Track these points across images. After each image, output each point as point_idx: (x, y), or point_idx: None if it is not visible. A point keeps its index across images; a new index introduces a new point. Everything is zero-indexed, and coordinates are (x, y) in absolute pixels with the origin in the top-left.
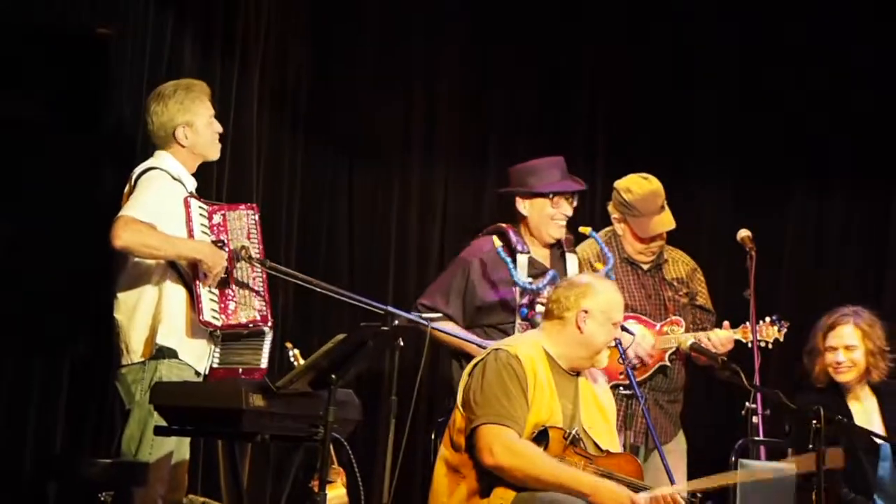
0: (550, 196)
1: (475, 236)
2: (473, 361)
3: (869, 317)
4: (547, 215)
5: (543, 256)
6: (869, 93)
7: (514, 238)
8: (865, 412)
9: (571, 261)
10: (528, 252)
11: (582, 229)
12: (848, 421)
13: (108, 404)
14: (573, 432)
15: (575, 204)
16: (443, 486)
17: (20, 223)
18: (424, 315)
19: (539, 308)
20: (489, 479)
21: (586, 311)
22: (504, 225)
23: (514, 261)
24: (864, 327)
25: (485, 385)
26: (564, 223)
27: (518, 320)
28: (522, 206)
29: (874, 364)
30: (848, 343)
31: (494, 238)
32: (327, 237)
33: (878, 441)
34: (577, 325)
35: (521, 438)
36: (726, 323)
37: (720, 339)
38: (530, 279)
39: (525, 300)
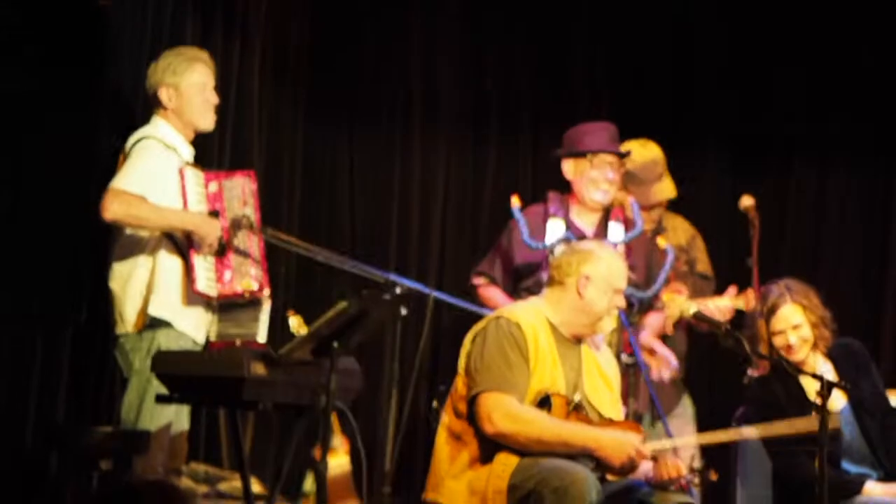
0: (589, 157)
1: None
2: (475, 328)
3: (802, 288)
4: (588, 178)
5: (590, 222)
6: (873, 61)
7: (552, 201)
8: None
9: (613, 229)
10: (563, 216)
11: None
12: (857, 388)
13: (108, 373)
14: (576, 399)
15: (622, 169)
16: (444, 454)
17: (20, 192)
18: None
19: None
20: (491, 445)
21: (587, 278)
22: (555, 191)
23: (544, 224)
24: (803, 302)
25: (485, 353)
26: (608, 188)
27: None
28: (567, 168)
29: (820, 334)
30: (794, 323)
31: (514, 197)
32: (328, 207)
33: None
34: (577, 291)
35: (522, 404)
36: (731, 289)
37: (724, 306)
38: (545, 242)
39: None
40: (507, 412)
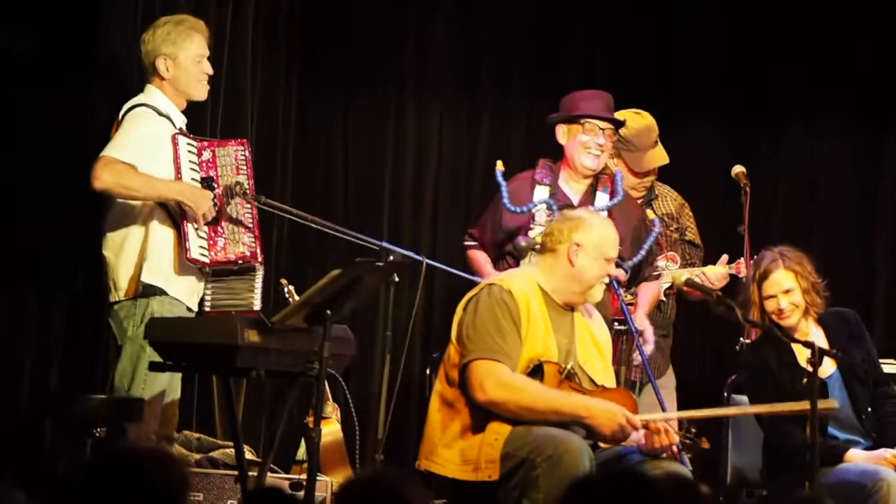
0: (582, 122)
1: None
2: (468, 296)
3: (795, 255)
4: (579, 143)
5: (578, 190)
6: (866, 31)
7: (540, 168)
8: None
9: (600, 199)
10: (549, 183)
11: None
12: (847, 355)
13: (103, 341)
14: (568, 367)
15: (613, 137)
16: (437, 422)
17: (16, 157)
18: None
19: (531, 233)
20: (484, 414)
21: (578, 245)
22: (546, 158)
23: (532, 190)
24: (795, 268)
25: (477, 320)
26: (598, 154)
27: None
28: (561, 133)
29: (811, 301)
30: (785, 287)
31: (499, 163)
32: (322, 175)
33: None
34: (568, 258)
35: (514, 372)
36: (724, 257)
37: (715, 274)
38: (526, 207)
39: (522, 223)
40: (498, 380)
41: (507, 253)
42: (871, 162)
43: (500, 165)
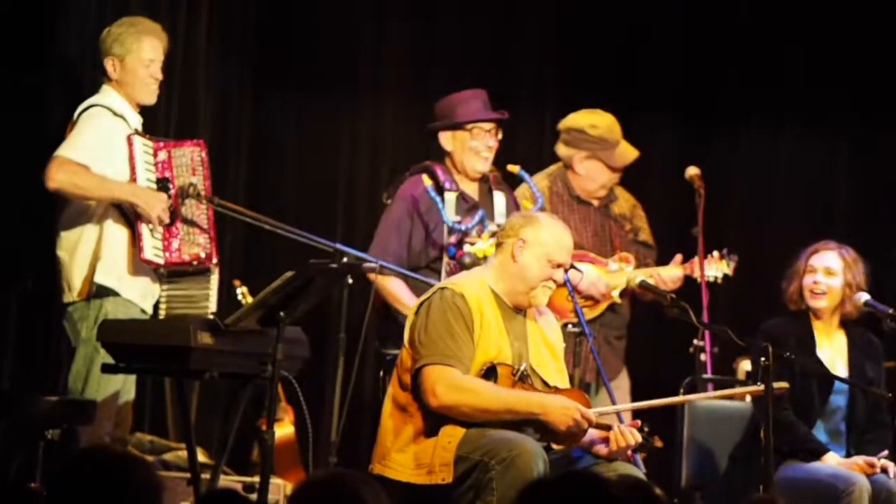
0: (469, 127)
1: (401, 175)
2: (420, 299)
3: (855, 254)
4: (469, 148)
5: (472, 191)
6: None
7: (441, 175)
8: (832, 346)
9: (499, 199)
10: (456, 189)
11: (510, 168)
12: (797, 357)
13: (55, 342)
14: (522, 368)
15: (499, 136)
16: (390, 426)
17: None
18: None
19: (467, 248)
20: (437, 417)
21: (523, 241)
22: (430, 162)
23: (443, 199)
24: (847, 259)
25: (429, 324)
26: (489, 156)
27: (445, 259)
28: (445, 140)
29: (848, 297)
30: (829, 266)
31: (424, 177)
32: (276, 176)
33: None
34: (512, 253)
35: (466, 375)
36: (678, 257)
37: (669, 276)
38: (458, 218)
39: (453, 239)
40: (450, 384)
41: (420, 267)
42: (824, 162)
43: (426, 181)
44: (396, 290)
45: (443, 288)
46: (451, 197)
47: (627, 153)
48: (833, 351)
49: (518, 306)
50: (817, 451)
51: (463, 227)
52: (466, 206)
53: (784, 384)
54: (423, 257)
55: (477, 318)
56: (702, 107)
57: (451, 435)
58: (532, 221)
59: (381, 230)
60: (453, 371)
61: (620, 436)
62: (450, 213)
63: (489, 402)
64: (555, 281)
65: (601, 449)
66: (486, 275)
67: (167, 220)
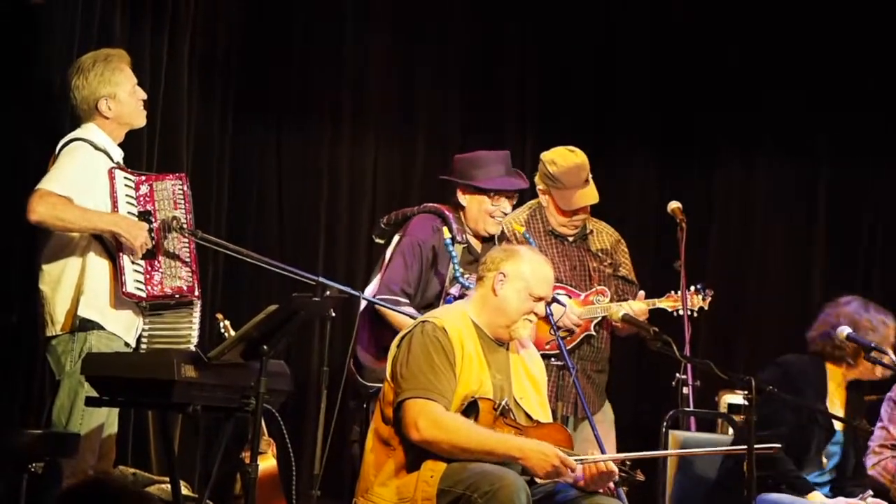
0: (491, 193)
1: (403, 211)
2: (401, 334)
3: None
4: (485, 211)
5: (476, 244)
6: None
7: (454, 226)
8: (838, 396)
9: None
10: (466, 242)
11: (516, 227)
12: (778, 392)
13: (38, 376)
14: (503, 403)
15: (515, 201)
16: (373, 459)
17: None
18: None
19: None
20: (419, 451)
21: (504, 275)
22: (445, 208)
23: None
24: None
25: (411, 358)
26: (503, 219)
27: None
28: (462, 197)
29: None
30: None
31: (445, 230)
32: (257, 208)
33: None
34: (492, 286)
35: (448, 411)
36: (641, 293)
37: (637, 310)
38: (468, 275)
39: (454, 291)
40: (432, 419)
41: (418, 306)
42: (804, 190)
43: (447, 234)
44: (403, 320)
45: (424, 321)
46: (458, 248)
47: (582, 198)
48: (838, 402)
49: (500, 339)
50: (804, 489)
51: (467, 284)
52: (471, 258)
53: (776, 445)
54: (424, 301)
55: (458, 351)
56: (682, 138)
57: (433, 469)
58: (513, 255)
59: (397, 266)
60: (435, 405)
61: (593, 464)
62: (460, 268)
63: (469, 442)
64: (536, 314)
65: (581, 482)
66: (467, 308)
67: (150, 246)
